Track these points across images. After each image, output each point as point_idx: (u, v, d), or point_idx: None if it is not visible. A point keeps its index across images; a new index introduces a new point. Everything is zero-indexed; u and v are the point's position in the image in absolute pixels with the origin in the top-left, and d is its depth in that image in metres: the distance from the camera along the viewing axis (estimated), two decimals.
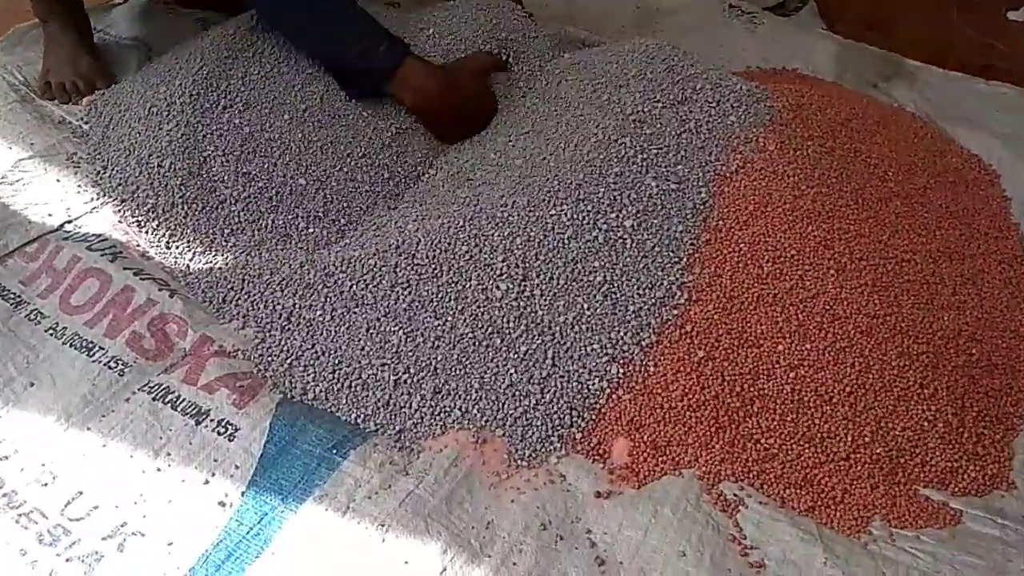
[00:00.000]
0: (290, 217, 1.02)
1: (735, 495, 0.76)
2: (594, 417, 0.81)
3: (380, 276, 0.88)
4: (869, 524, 0.75)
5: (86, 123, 1.15)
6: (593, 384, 0.82)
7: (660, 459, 0.78)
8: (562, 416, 0.81)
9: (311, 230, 1.02)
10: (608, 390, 0.81)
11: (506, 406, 0.81)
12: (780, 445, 0.79)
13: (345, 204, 1.05)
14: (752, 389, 0.81)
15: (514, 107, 1.12)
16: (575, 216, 0.87)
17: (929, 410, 0.81)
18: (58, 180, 1.06)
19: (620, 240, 0.87)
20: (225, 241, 0.99)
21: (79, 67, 1.24)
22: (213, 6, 1.41)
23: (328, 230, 1.03)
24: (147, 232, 1.00)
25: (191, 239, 0.99)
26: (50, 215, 1.01)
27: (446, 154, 1.11)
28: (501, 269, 0.85)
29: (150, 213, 1.01)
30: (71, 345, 0.86)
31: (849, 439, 0.79)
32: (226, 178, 1.03)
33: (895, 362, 0.83)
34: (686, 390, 0.81)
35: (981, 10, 1.71)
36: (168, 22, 1.38)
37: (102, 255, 0.94)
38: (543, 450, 0.79)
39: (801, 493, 0.77)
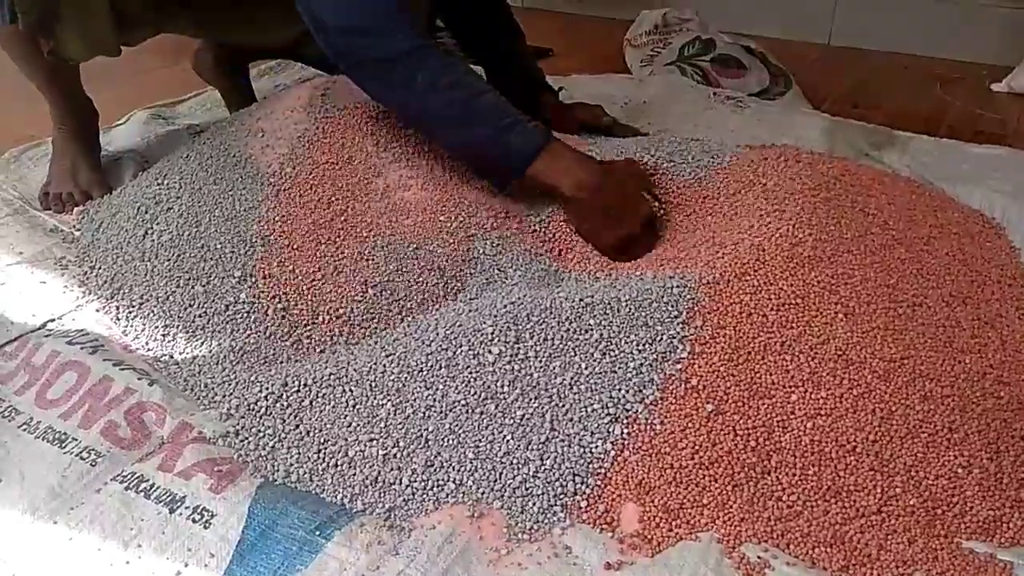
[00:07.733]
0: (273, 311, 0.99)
1: (759, 557, 0.69)
2: (599, 482, 0.75)
3: (366, 347, 0.84)
4: None
5: (77, 230, 1.15)
6: (596, 447, 0.76)
7: (674, 523, 0.72)
8: (564, 483, 0.74)
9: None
10: (613, 452, 0.76)
11: (503, 476, 0.75)
12: (804, 501, 0.72)
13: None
14: (768, 443, 0.75)
15: None
16: (565, 274, 0.84)
17: (962, 455, 0.75)
18: (43, 282, 1.05)
19: (615, 297, 0.83)
20: (208, 331, 0.96)
21: (79, 179, 1.25)
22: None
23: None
24: (131, 326, 0.97)
25: (174, 331, 0.96)
26: (33, 315, 0.99)
27: None
28: (492, 332, 0.81)
29: (134, 308, 0.99)
30: (43, 439, 0.81)
31: (879, 491, 0.73)
32: (211, 272, 1.01)
33: (919, 407, 0.77)
34: (697, 447, 0.75)
35: (964, 84, 1.74)
36: (164, 135, 1.42)
37: (82, 348, 0.91)
38: (546, 521, 0.73)
39: (832, 552, 0.69)
